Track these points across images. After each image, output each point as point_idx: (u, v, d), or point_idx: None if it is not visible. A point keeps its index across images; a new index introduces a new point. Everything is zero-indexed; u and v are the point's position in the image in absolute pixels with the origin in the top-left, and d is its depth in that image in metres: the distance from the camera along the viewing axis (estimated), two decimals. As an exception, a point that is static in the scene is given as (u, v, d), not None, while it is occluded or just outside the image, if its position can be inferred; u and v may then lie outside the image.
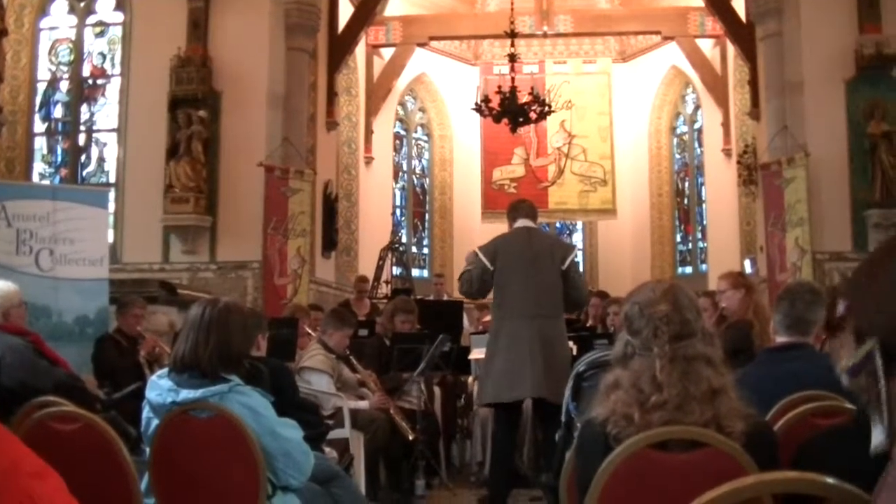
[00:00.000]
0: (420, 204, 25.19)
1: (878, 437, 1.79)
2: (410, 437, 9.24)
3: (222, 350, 4.74)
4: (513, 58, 18.31)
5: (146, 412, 4.83)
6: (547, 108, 18.36)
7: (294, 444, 4.79)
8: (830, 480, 1.84)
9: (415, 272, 23.50)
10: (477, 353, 9.51)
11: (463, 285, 8.58)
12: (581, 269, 25.16)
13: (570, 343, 9.46)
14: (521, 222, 8.58)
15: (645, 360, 3.21)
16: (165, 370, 4.88)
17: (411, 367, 9.80)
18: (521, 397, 8.21)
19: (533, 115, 18.13)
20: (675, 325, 3.23)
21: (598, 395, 3.34)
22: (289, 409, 5.93)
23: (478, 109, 18.17)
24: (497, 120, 18.33)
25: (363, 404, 9.21)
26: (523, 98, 17.98)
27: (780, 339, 4.93)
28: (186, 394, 4.64)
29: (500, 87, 17.97)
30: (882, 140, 14.89)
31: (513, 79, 18.07)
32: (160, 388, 4.74)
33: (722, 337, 7.72)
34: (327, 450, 7.17)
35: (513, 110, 17.80)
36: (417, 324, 11.74)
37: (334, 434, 8.39)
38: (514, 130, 18.94)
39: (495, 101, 17.86)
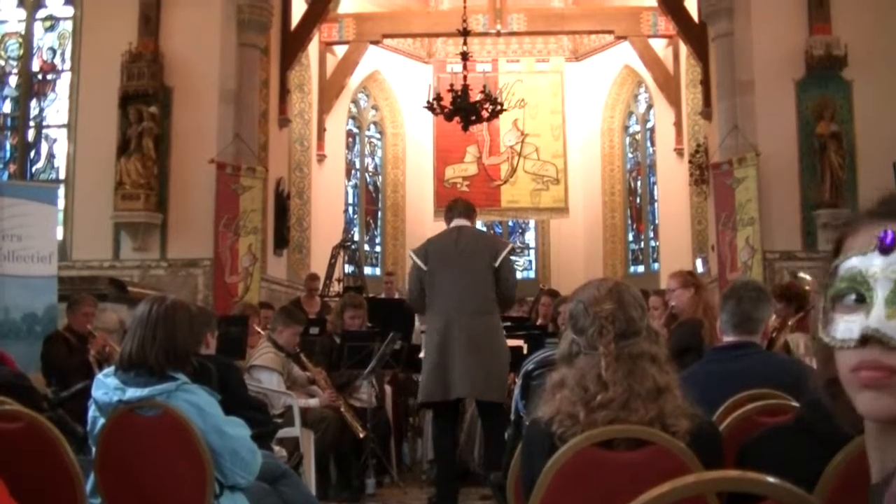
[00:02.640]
0: (372, 202, 25.13)
1: None
2: (361, 436, 9.25)
3: (169, 348, 4.72)
4: (465, 56, 18.28)
5: (92, 411, 4.81)
6: (499, 107, 18.35)
7: (241, 442, 4.77)
8: (772, 480, 1.84)
9: (367, 270, 23.43)
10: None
11: (408, 295, 8.65)
12: (532, 267, 25.34)
13: (521, 342, 9.50)
14: (456, 222, 8.56)
15: (590, 359, 3.22)
16: (112, 368, 4.85)
17: (361, 364, 9.79)
18: (451, 397, 8.17)
19: (485, 114, 18.12)
20: (620, 324, 3.24)
21: (543, 393, 3.34)
22: (237, 407, 5.91)
23: (430, 108, 18.14)
24: (449, 118, 18.31)
25: (313, 402, 9.20)
26: (476, 97, 17.97)
27: (728, 338, 4.95)
28: (133, 392, 4.62)
29: (452, 85, 17.95)
30: (831, 140, 15.03)
31: (465, 77, 18.03)
32: (106, 386, 4.72)
33: (671, 335, 7.86)
34: (276, 448, 7.17)
35: (465, 108, 17.77)
36: (368, 320, 11.77)
37: (284, 432, 8.37)
38: (465, 129, 18.91)
39: (447, 100, 17.85)
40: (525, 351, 9.36)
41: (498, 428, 7.87)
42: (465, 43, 18.41)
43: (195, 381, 4.85)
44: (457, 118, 18.06)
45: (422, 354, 9.83)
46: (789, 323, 9.45)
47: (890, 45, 15.45)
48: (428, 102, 18.03)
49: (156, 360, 4.68)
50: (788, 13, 15.52)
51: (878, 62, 15.33)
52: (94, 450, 4.75)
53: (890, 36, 15.47)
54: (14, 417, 4.46)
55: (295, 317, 9.56)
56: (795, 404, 4.09)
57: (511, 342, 9.06)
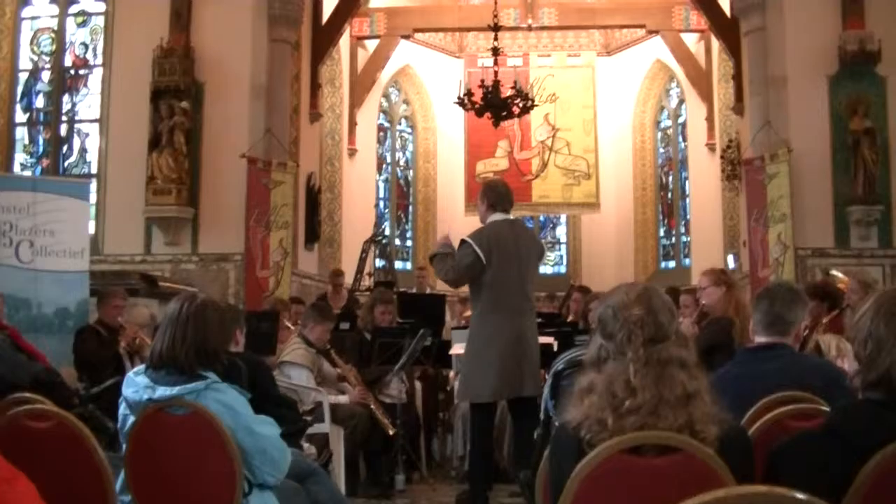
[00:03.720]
0: (403, 196, 25.12)
1: None
2: (390, 433, 9.25)
3: (199, 346, 4.73)
4: (496, 51, 18.23)
5: (122, 409, 4.82)
6: (530, 103, 18.31)
7: (270, 441, 4.77)
8: (801, 496, 1.82)
9: (398, 264, 23.46)
10: (458, 349, 9.45)
11: (447, 273, 8.47)
12: (563, 262, 25.37)
13: (551, 339, 9.48)
14: (502, 215, 8.54)
15: (619, 364, 3.19)
16: (142, 367, 4.87)
17: (392, 360, 9.80)
18: (524, 394, 8.18)
19: (516, 110, 18.06)
20: (649, 329, 3.22)
21: (572, 397, 3.33)
22: (266, 404, 5.93)
23: (460, 103, 18.12)
24: (479, 114, 18.29)
25: (343, 399, 9.21)
26: (506, 92, 17.93)
27: (759, 338, 4.93)
28: (163, 391, 4.63)
29: (482, 80, 17.92)
30: (864, 136, 14.92)
31: (496, 72, 17.99)
32: (136, 384, 4.73)
33: (702, 333, 7.82)
34: (306, 445, 7.19)
35: (495, 104, 17.72)
36: (398, 315, 11.81)
37: (314, 429, 8.41)
38: (496, 125, 18.86)
39: (478, 95, 17.81)
40: (555, 348, 9.33)
41: (531, 425, 7.86)
42: (495, 38, 18.36)
43: (225, 379, 4.85)
44: (487, 114, 18.03)
45: (455, 350, 9.82)
46: (823, 321, 9.41)
47: (923, 39, 15.35)
48: (458, 98, 18.00)
49: (186, 359, 4.68)
50: (822, 8, 15.39)
51: (912, 57, 15.21)
52: (124, 447, 4.75)
53: (924, 30, 15.38)
54: (44, 416, 4.49)
55: (326, 313, 9.58)
56: (826, 408, 4.08)
57: (541, 339, 9.05)
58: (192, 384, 4.63)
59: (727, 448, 3.09)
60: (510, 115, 18.39)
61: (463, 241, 8.40)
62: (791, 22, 15.47)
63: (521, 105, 18.03)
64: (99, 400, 7.55)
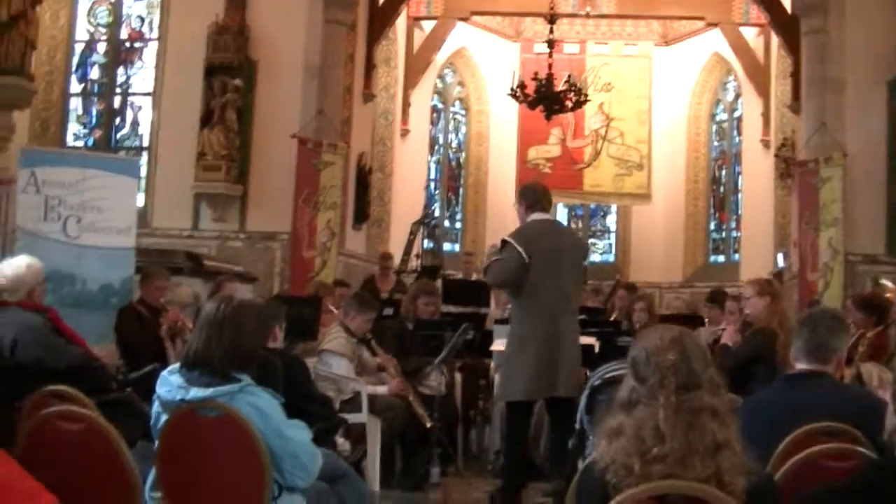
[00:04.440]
0: (454, 178, 25.06)
1: None
2: (428, 425, 9.23)
3: (234, 349, 4.73)
4: (551, 44, 18.20)
5: (156, 407, 4.84)
6: (583, 97, 18.26)
7: (302, 445, 4.78)
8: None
9: (446, 246, 23.45)
10: (499, 345, 9.42)
11: (497, 275, 8.49)
12: (611, 251, 25.30)
13: (593, 339, 9.44)
14: (541, 215, 8.52)
15: (649, 410, 3.15)
16: (176, 365, 4.87)
17: (433, 353, 9.78)
18: (559, 394, 8.17)
19: (568, 104, 18.04)
20: (682, 376, 3.17)
21: (600, 436, 3.29)
22: (301, 401, 5.95)
23: (513, 95, 18.09)
24: (532, 107, 18.28)
25: (382, 389, 9.20)
26: (560, 85, 17.88)
27: (800, 365, 4.88)
28: (196, 392, 4.64)
29: (536, 73, 17.86)
30: (922, 143, 14.76)
31: (550, 65, 17.96)
32: (170, 384, 4.74)
33: (744, 343, 7.77)
34: (340, 441, 7.19)
35: (548, 97, 17.70)
36: (442, 304, 11.82)
37: (352, 418, 8.42)
38: (548, 118, 18.84)
39: (531, 87, 17.76)
40: (596, 349, 9.30)
41: (566, 429, 7.82)
42: (551, 31, 18.33)
43: (260, 375, 4.86)
44: (540, 107, 17.99)
45: (496, 346, 9.78)
46: (868, 335, 9.33)
47: None
48: (511, 90, 17.96)
49: (220, 361, 4.69)
50: (883, 12, 15.20)
51: (972, 63, 15.02)
52: (156, 442, 4.77)
53: None
54: (75, 419, 4.50)
55: (368, 303, 9.56)
56: (860, 450, 4.04)
57: (583, 339, 9.03)
58: (226, 387, 4.64)
59: (754, 501, 3.05)
60: (563, 110, 18.35)
61: (504, 242, 8.40)
62: (851, 25, 15.30)
63: (573, 99, 17.98)
64: (138, 384, 7.57)
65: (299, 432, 4.84)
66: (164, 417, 4.74)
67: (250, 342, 4.86)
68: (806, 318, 5.07)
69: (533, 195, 8.66)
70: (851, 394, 5.08)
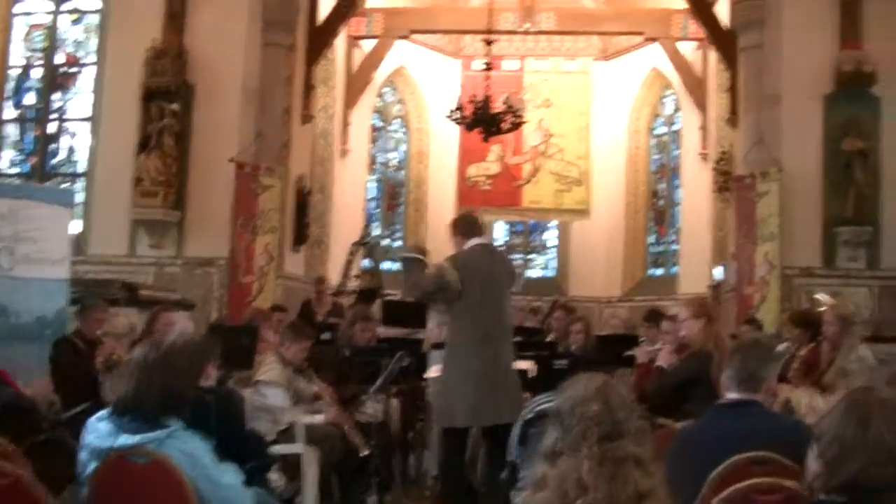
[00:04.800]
0: (394, 197, 25.11)
1: None
2: (364, 453, 9.19)
3: (165, 393, 4.70)
4: (488, 66, 18.24)
5: (84, 454, 4.77)
6: (520, 120, 18.32)
7: (233, 489, 4.76)
8: None
9: (386, 265, 23.44)
10: (434, 371, 9.41)
11: (416, 284, 8.32)
12: (552, 266, 25.34)
13: (529, 363, 9.44)
14: (477, 240, 8.50)
15: (572, 461, 3.15)
16: (105, 412, 4.82)
17: (370, 380, 9.74)
18: (501, 421, 8.12)
19: (505, 126, 18.08)
20: (605, 426, 3.17)
21: (526, 485, 3.29)
22: (235, 440, 5.88)
23: (451, 117, 18.10)
24: (470, 129, 18.37)
25: (318, 418, 9.14)
26: (498, 104, 17.95)
27: (731, 394, 4.91)
28: (124, 439, 4.60)
29: (474, 95, 17.89)
30: (857, 157, 14.91)
31: (487, 87, 17.98)
32: (98, 431, 4.70)
33: (681, 365, 7.79)
34: (275, 476, 7.12)
35: (486, 120, 17.73)
36: (382, 325, 11.83)
37: (288, 449, 8.38)
38: (486, 140, 18.91)
39: (470, 109, 17.80)
40: (534, 374, 9.31)
41: (503, 456, 7.80)
42: (487, 53, 18.38)
43: (193, 417, 4.82)
44: (478, 129, 18.04)
45: (432, 373, 9.75)
46: (801, 353, 9.40)
47: (920, 60, 15.32)
48: (450, 112, 17.99)
49: (151, 406, 4.66)
50: (819, 28, 15.36)
51: (908, 78, 15.18)
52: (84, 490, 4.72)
53: (920, 51, 15.35)
54: (2, 474, 4.43)
55: (303, 332, 9.50)
56: (788, 484, 4.06)
57: (519, 364, 9.03)
58: (155, 433, 4.60)
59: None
60: (500, 131, 18.40)
61: (438, 266, 8.36)
62: (788, 40, 15.45)
63: (511, 121, 18.03)
64: (70, 424, 7.48)
65: (231, 476, 4.81)
66: (92, 465, 4.68)
67: (181, 386, 4.82)
68: (735, 348, 5.12)
69: (464, 223, 8.66)
70: (781, 422, 5.11)
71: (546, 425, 3.43)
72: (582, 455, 3.14)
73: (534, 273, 25.55)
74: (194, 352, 5.57)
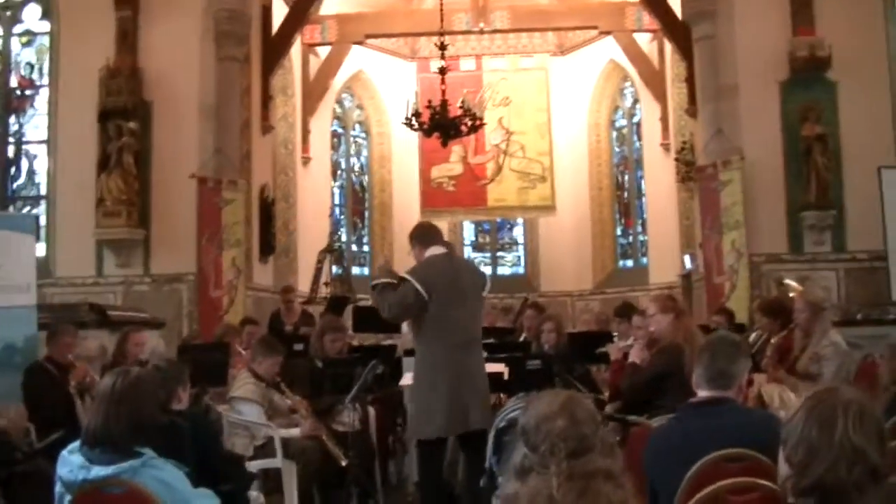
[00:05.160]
0: (359, 202, 25.13)
1: None
2: (343, 464, 9.17)
3: (134, 423, 4.68)
4: (443, 71, 18.19)
5: (58, 487, 4.75)
6: (478, 122, 18.29)
7: (210, 514, 4.75)
8: None
9: (355, 270, 23.49)
10: (409, 378, 9.39)
11: (389, 308, 8.37)
12: (521, 263, 25.41)
13: (501, 366, 9.44)
14: (438, 248, 8.48)
15: (542, 479, 3.14)
16: (77, 444, 4.79)
17: (344, 390, 9.71)
18: (470, 429, 8.11)
19: (464, 129, 18.04)
20: (571, 442, 3.16)
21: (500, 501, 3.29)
22: (211, 462, 5.89)
23: (408, 124, 18.04)
24: (428, 134, 18.29)
25: (294, 432, 9.12)
26: (456, 103, 17.92)
27: (702, 392, 4.90)
28: (98, 471, 4.58)
29: (430, 101, 17.84)
30: (816, 142, 14.95)
31: (443, 91, 17.94)
32: (71, 464, 4.68)
33: (653, 360, 7.81)
34: (254, 494, 7.12)
35: (443, 124, 17.69)
36: (354, 332, 11.81)
37: (266, 464, 8.38)
38: (444, 144, 18.84)
39: (427, 114, 17.75)
40: (506, 376, 9.31)
41: (481, 462, 7.79)
42: (442, 57, 18.36)
43: (167, 443, 4.81)
44: (436, 133, 18.00)
45: (407, 381, 9.73)
46: (772, 341, 9.43)
47: (874, 44, 15.44)
48: (406, 119, 17.92)
49: (120, 436, 4.64)
50: (772, 15, 15.43)
51: (862, 63, 15.28)
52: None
53: (873, 36, 15.47)
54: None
55: (274, 347, 9.47)
56: (764, 483, 4.07)
57: (492, 367, 9.03)
58: (128, 462, 4.59)
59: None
60: (459, 135, 18.36)
61: (403, 279, 8.33)
62: (741, 29, 15.50)
63: (469, 124, 17.97)
64: (46, 452, 7.44)
65: (207, 501, 4.82)
66: (67, 498, 4.66)
67: (150, 415, 4.81)
68: (705, 346, 5.11)
69: (422, 234, 8.60)
70: (754, 418, 5.11)
71: (515, 437, 3.43)
72: (551, 472, 3.14)
73: (503, 270, 25.62)
74: (162, 378, 5.56)
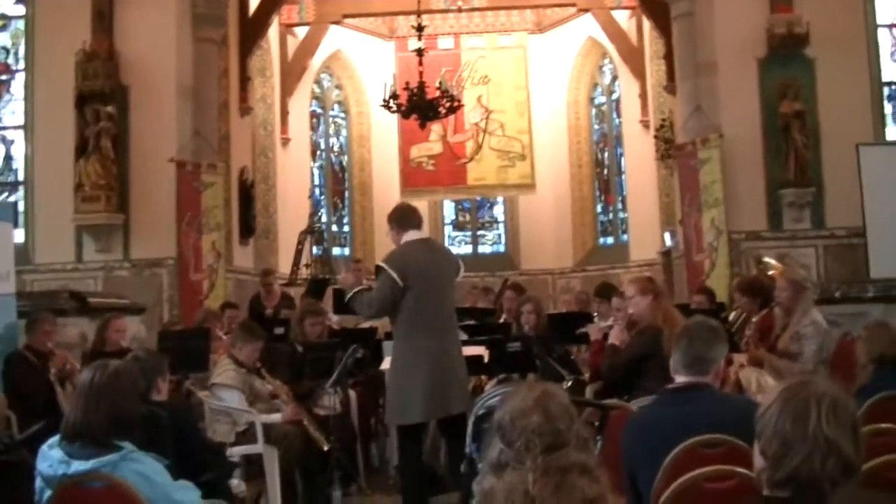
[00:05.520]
0: (339, 182, 25.14)
1: None
2: (325, 448, 9.19)
3: (113, 417, 4.68)
4: (420, 52, 18.16)
5: (38, 482, 4.76)
6: (456, 103, 18.30)
7: (191, 507, 4.76)
8: None
9: (336, 251, 23.50)
10: (389, 363, 9.42)
11: (369, 307, 8.42)
12: (501, 241, 25.44)
13: (482, 349, 9.47)
14: (415, 234, 8.50)
15: (518, 474, 3.15)
16: (56, 438, 4.79)
17: (326, 374, 9.73)
18: (453, 412, 8.15)
19: (442, 110, 18.05)
20: (546, 437, 3.16)
21: (477, 497, 3.30)
22: (192, 452, 5.89)
23: (386, 106, 18.03)
24: (406, 116, 18.32)
25: (276, 417, 9.13)
26: (435, 82, 17.92)
27: (680, 378, 4.93)
28: (78, 465, 4.58)
29: (408, 83, 17.82)
30: (795, 119, 14.93)
31: (421, 73, 17.92)
32: (51, 458, 4.67)
33: (632, 342, 7.85)
34: (236, 482, 7.12)
35: (421, 106, 17.68)
36: (336, 314, 11.84)
37: (249, 450, 8.39)
38: (423, 126, 18.88)
39: (404, 96, 17.74)
40: (486, 359, 9.35)
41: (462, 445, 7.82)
42: (419, 38, 18.35)
43: (147, 435, 4.81)
44: (414, 115, 18.00)
45: (385, 365, 9.75)
46: (753, 319, 9.48)
47: (851, 21, 15.43)
48: (384, 101, 17.90)
49: (100, 430, 4.64)
50: (748, -9, 15.42)
51: (840, 39, 15.24)
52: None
53: (851, 12, 15.45)
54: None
55: (254, 332, 9.46)
56: (741, 470, 4.10)
57: (472, 350, 9.08)
58: (108, 456, 4.59)
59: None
60: (437, 116, 18.38)
61: (378, 268, 8.37)
62: (719, 6, 15.43)
63: (447, 105, 17.98)
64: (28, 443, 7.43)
65: (188, 493, 4.83)
66: (47, 493, 4.66)
67: (129, 408, 4.80)
68: (683, 331, 5.12)
69: (401, 216, 8.63)
70: (732, 403, 5.14)
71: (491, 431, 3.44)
72: (527, 467, 3.15)
73: (484, 249, 25.67)
74: (142, 369, 5.56)
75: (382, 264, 8.31)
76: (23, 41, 16.61)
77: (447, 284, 8.45)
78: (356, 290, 8.54)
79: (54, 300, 11.80)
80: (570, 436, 3.22)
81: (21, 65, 16.66)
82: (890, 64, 16.22)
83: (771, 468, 2.98)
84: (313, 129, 24.32)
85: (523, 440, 3.17)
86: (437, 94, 17.90)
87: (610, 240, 24.35)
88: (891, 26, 16.40)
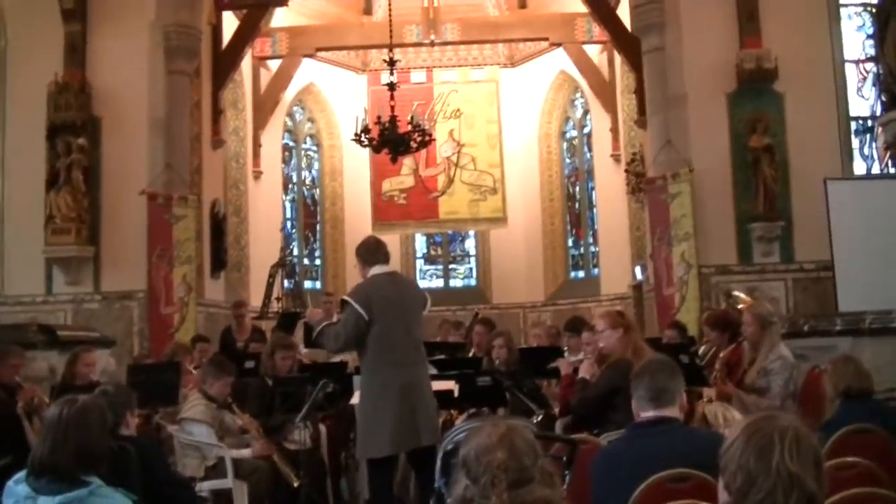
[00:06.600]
0: (311, 215, 25.10)
1: None
2: (295, 484, 9.16)
3: (81, 452, 4.64)
4: (392, 87, 18.16)
5: (4, 518, 4.73)
6: (428, 137, 18.32)
7: (158, 542, 4.74)
8: None
9: (307, 284, 23.46)
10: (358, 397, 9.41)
11: (336, 341, 8.42)
12: (473, 275, 25.42)
13: (451, 383, 9.47)
14: (381, 268, 8.52)
15: (483, 509, 3.17)
16: (23, 473, 4.76)
17: (295, 408, 9.70)
18: (423, 444, 8.14)
19: (413, 144, 18.05)
20: (512, 473, 3.19)
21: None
22: (160, 486, 5.87)
23: (357, 141, 18.02)
24: (377, 150, 18.33)
25: (245, 452, 9.12)
26: (408, 116, 17.94)
27: (645, 413, 4.94)
28: (44, 501, 4.54)
29: (379, 117, 17.84)
30: (764, 153, 15.04)
31: (392, 108, 17.93)
32: (17, 495, 4.63)
33: (603, 375, 7.86)
34: (204, 515, 7.11)
35: (393, 140, 17.70)
36: (306, 348, 11.81)
37: (218, 485, 8.37)
38: (394, 161, 18.87)
39: (376, 131, 17.75)
40: (456, 393, 9.34)
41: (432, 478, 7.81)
42: (391, 72, 18.38)
43: (115, 470, 4.78)
44: (385, 150, 18.01)
45: (355, 399, 9.74)
46: (721, 354, 9.49)
47: (819, 56, 15.57)
48: (355, 135, 17.90)
49: (67, 466, 4.60)
50: (719, 27, 15.50)
51: (808, 74, 15.38)
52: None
53: (819, 47, 15.60)
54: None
55: (225, 367, 9.46)
56: (707, 504, 4.12)
57: (442, 385, 9.08)
58: (75, 492, 4.54)
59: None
60: (408, 151, 18.39)
61: (343, 302, 8.39)
62: (689, 41, 15.57)
63: (418, 140, 17.98)
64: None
65: (155, 529, 4.80)
66: (14, 529, 4.64)
67: (97, 443, 4.77)
68: (641, 369, 5.14)
69: (365, 250, 8.65)
70: (699, 437, 5.16)
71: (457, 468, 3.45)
72: (492, 503, 3.16)
73: (456, 283, 25.69)
74: (110, 403, 5.54)
75: (347, 298, 8.35)
76: (-6, 73, 16.58)
77: (414, 318, 8.45)
78: (323, 324, 8.57)
79: (23, 333, 11.73)
80: (536, 471, 3.24)
81: (-6, 96, 16.61)
82: (857, 99, 16.39)
83: (735, 502, 3.00)
84: (285, 162, 24.30)
85: (489, 476, 3.19)
86: (409, 127, 17.90)
87: (581, 273, 24.38)
88: (857, 62, 16.59)
